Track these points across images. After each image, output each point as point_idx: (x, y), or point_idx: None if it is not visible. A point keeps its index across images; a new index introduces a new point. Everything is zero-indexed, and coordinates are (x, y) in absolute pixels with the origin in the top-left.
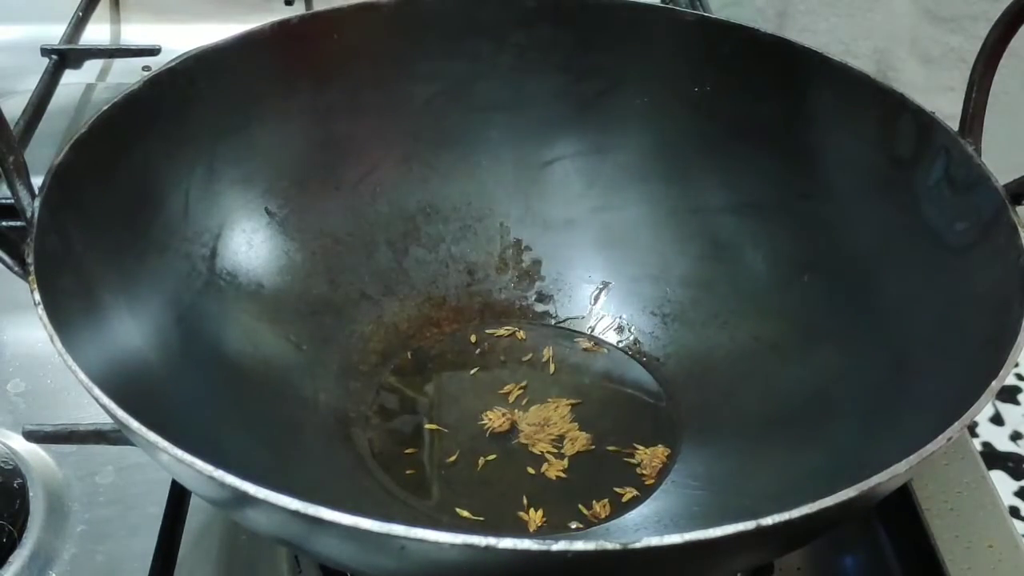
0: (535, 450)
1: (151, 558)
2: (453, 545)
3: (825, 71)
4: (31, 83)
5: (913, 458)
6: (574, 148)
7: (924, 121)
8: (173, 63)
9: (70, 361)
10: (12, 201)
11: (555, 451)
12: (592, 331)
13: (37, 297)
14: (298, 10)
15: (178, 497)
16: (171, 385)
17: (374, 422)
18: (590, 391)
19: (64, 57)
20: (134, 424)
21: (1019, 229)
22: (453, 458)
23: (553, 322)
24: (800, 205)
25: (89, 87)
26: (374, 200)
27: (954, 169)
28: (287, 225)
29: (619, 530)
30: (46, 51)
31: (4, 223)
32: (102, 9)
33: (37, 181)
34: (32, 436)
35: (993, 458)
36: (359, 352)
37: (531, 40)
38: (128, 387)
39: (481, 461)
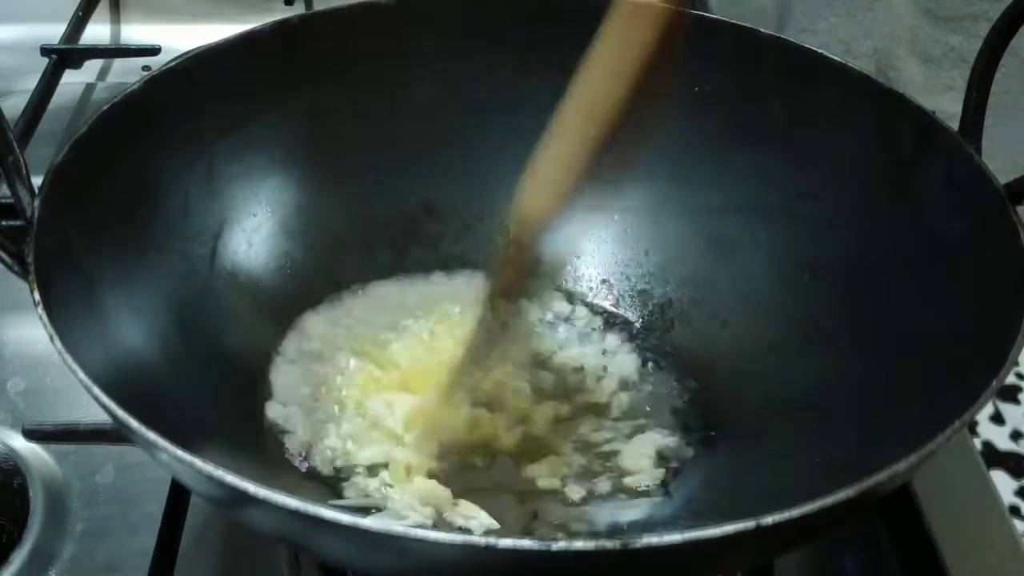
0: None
1: (151, 557)
2: (453, 545)
3: (825, 71)
4: (31, 83)
5: (913, 458)
6: None
7: (924, 121)
8: (173, 63)
9: (70, 361)
10: (12, 201)
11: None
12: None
13: (37, 297)
14: (298, 10)
15: (178, 497)
16: (171, 385)
17: None
18: None
19: (64, 57)
20: (134, 424)
21: (1019, 229)
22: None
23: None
24: (800, 205)
25: (89, 87)
26: (374, 199)
27: (954, 169)
28: (287, 224)
29: (619, 529)
30: (46, 51)
31: (4, 223)
32: (102, 9)
33: (37, 181)
34: (32, 435)
35: (993, 458)
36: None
37: (531, 40)
38: (128, 387)
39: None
